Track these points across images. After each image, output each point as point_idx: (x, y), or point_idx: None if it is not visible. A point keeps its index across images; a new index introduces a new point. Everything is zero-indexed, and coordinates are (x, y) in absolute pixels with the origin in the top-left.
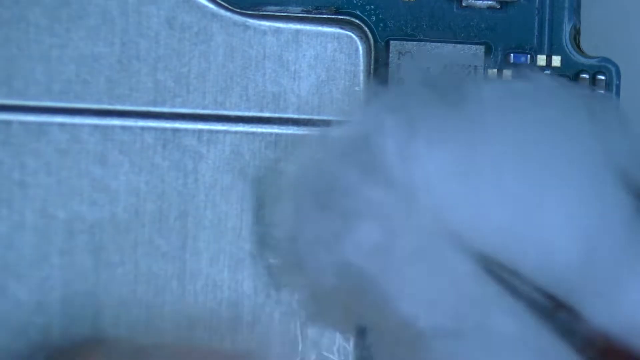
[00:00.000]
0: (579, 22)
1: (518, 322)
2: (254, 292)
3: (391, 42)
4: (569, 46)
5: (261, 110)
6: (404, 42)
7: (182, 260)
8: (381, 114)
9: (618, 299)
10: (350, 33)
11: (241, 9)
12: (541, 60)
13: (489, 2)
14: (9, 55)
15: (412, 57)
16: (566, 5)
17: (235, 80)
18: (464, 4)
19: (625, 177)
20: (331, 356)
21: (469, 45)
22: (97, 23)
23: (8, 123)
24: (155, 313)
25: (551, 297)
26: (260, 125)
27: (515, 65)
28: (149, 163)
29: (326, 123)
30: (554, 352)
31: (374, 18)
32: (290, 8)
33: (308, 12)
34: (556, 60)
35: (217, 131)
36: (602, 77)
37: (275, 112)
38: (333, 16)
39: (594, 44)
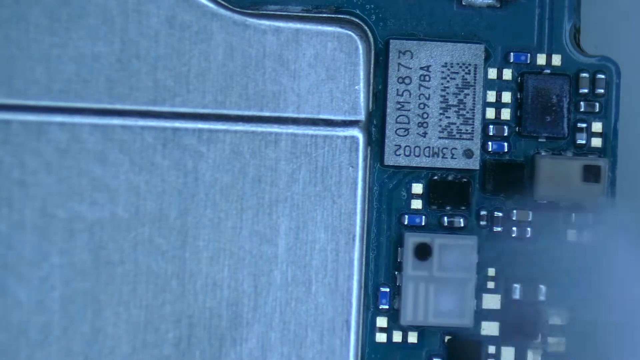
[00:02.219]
0: (579, 21)
1: None
2: (254, 291)
3: (391, 41)
4: (569, 45)
5: (261, 110)
6: (404, 41)
7: (182, 260)
8: None
9: None
10: (350, 32)
11: (241, 8)
12: (541, 59)
13: (489, 1)
14: (9, 55)
15: (412, 56)
16: (566, 4)
17: (235, 79)
18: (463, 3)
19: None
20: None
21: (468, 44)
22: (97, 22)
23: (8, 122)
24: (155, 313)
25: None
26: (260, 125)
27: (515, 64)
28: (149, 162)
29: (326, 122)
30: None
31: (373, 17)
32: (290, 7)
33: (308, 11)
34: (556, 59)
35: (217, 130)
36: (602, 76)
37: (275, 111)
38: (333, 15)
39: (594, 43)
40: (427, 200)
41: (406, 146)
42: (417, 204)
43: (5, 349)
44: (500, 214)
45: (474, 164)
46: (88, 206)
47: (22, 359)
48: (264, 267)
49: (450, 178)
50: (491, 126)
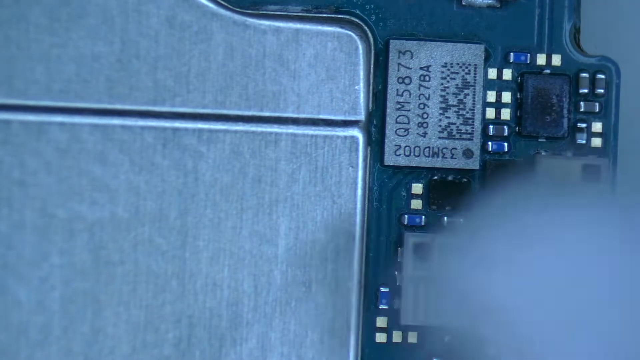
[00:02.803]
0: (579, 20)
1: None
2: (254, 291)
3: (391, 41)
4: (569, 45)
5: (261, 110)
6: (404, 41)
7: (182, 260)
8: None
9: None
10: (350, 32)
11: (241, 8)
12: (541, 59)
13: (489, 1)
14: (9, 55)
15: (412, 56)
16: (566, 4)
17: (235, 79)
18: (463, 3)
19: None
20: None
21: (468, 44)
22: (97, 22)
23: (8, 122)
24: (155, 313)
25: None
26: (260, 125)
27: (515, 64)
28: (149, 162)
29: (326, 122)
30: None
31: (373, 17)
32: (290, 7)
33: (308, 11)
34: (556, 59)
35: (217, 130)
36: (602, 76)
37: (275, 111)
38: (333, 15)
39: (593, 43)
40: (427, 200)
41: (406, 146)
42: (417, 204)
43: (5, 349)
44: None
45: (474, 164)
46: (88, 206)
47: (22, 359)
48: (264, 267)
49: (450, 178)
50: (491, 126)
